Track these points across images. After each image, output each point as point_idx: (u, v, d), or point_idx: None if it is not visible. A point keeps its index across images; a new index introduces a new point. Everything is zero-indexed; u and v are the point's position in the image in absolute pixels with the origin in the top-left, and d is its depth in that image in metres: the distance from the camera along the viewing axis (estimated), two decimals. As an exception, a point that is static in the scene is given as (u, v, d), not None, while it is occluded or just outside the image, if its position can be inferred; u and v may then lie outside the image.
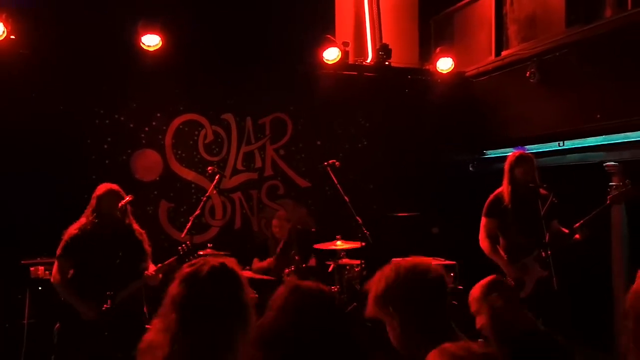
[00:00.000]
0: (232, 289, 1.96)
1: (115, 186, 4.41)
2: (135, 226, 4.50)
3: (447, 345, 1.53)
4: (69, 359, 4.15)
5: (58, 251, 4.26)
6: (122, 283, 4.22)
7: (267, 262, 6.06)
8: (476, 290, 3.00)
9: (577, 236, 4.57)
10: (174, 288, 1.94)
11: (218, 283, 1.95)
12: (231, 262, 2.03)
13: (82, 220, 4.34)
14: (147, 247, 4.54)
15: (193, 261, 2.04)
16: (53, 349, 4.21)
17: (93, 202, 4.35)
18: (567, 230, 4.60)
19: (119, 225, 4.35)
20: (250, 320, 1.94)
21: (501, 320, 2.53)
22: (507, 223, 4.75)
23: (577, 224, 4.54)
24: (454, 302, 5.00)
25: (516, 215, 4.69)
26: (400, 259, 1.99)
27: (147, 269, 4.45)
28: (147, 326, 4.20)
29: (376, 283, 1.91)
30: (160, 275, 4.44)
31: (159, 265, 4.53)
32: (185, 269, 1.99)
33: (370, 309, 1.91)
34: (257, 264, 6.10)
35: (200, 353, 1.86)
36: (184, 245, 4.70)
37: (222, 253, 5.02)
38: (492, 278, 3.07)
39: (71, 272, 4.26)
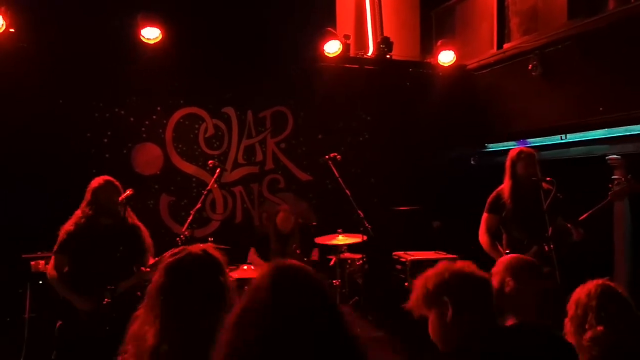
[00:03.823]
0: (213, 274, 2.07)
1: (110, 178, 4.37)
2: (135, 220, 4.42)
3: None
4: (71, 356, 4.14)
5: (55, 247, 4.22)
6: (119, 278, 4.17)
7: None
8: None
9: (575, 236, 4.52)
10: (157, 278, 2.03)
11: (199, 269, 2.05)
12: (210, 249, 2.14)
13: (77, 213, 4.27)
14: (148, 241, 4.47)
15: (174, 250, 2.13)
16: (54, 345, 4.19)
17: (88, 195, 4.28)
18: (569, 225, 4.56)
19: (116, 219, 4.28)
20: (231, 302, 2.01)
21: None
22: (508, 219, 4.72)
23: (581, 218, 4.50)
24: None
25: (518, 211, 4.65)
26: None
27: (147, 263, 4.42)
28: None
29: (427, 277, 2.06)
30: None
31: (156, 258, 4.50)
32: (168, 258, 2.09)
33: (415, 303, 2.05)
34: (253, 256, 6.05)
35: (187, 336, 1.93)
36: (182, 236, 4.67)
37: (222, 247, 5.00)
38: None
39: (67, 267, 4.21)
